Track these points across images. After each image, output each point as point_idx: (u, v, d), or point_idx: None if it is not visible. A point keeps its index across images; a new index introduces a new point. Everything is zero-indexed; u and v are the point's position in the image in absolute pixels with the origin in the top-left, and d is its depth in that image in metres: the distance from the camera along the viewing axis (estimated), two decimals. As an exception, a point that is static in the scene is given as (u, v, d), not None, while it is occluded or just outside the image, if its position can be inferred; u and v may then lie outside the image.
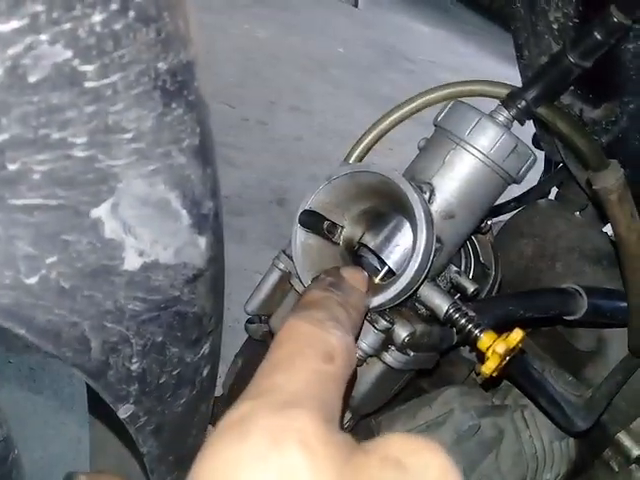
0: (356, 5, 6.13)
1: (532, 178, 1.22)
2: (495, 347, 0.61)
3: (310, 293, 0.50)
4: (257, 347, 0.92)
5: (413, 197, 0.58)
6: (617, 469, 1.01)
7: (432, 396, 0.85)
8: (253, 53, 4.32)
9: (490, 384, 0.88)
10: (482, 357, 0.65)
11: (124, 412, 0.53)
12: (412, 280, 0.60)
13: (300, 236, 0.65)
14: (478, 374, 0.92)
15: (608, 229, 1.15)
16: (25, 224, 0.34)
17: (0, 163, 0.31)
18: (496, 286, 0.81)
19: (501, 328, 0.65)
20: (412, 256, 0.59)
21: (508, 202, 1.18)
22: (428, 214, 0.59)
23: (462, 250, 0.75)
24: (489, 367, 0.62)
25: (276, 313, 0.71)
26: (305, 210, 0.64)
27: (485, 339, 0.63)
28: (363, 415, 0.75)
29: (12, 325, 0.38)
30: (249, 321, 0.90)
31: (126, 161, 0.37)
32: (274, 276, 0.70)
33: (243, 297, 0.81)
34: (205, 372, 0.61)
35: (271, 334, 0.74)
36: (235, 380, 0.95)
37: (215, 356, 0.62)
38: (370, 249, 0.67)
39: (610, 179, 0.68)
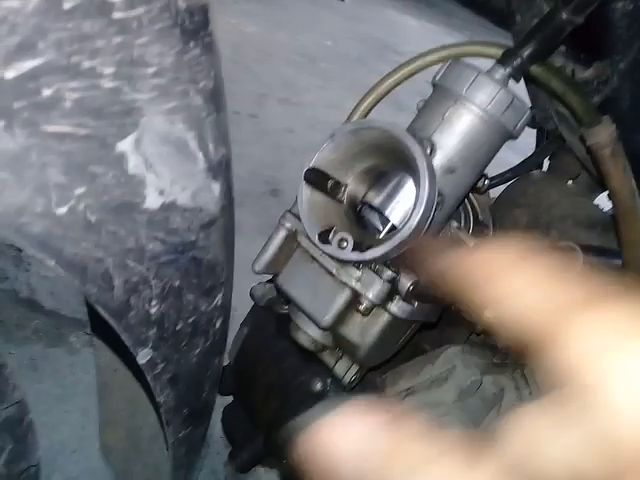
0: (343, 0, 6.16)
1: (527, 149, 1.26)
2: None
3: None
4: (262, 315, 0.94)
5: (415, 150, 0.61)
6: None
7: (435, 354, 0.87)
8: (242, 48, 4.33)
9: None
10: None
11: (143, 357, 0.55)
12: (415, 230, 0.62)
13: (306, 192, 0.67)
14: (479, 334, 0.95)
15: (598, 201, 1.19)
16: (57, 152, 0.36)
17: (35, 88, 0.33)
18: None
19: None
20: (415, 207, 0.62)
21: (503, 174, 1.21)
22: (430, 166, 0.62)
23: (462, 208, 0.77)
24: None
25: (283, 271, 0.73)
26: (310, 168, 0.66)
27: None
28: (370, 368, 0.77)
29: (43, 256, 0.40)
30: (254, 289, 0.92)
31: (149, 96, 0.39)
32: (280, 235, 0.72)
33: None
34: (218, 324, 0.63)
35: (278, 294, 0.76)
36: (241, 349, 0.97)
37: (226, 310, 0.64)
38: (373, 207, 0.70)
39: (602, 134, 0.71)
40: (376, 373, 0.84)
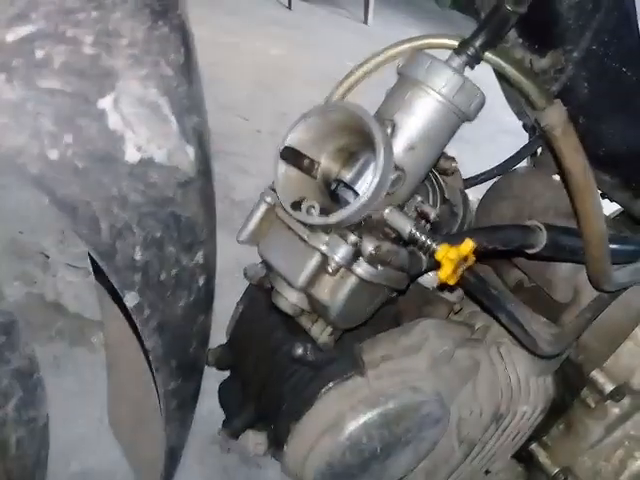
0: (366, 22, 6.31)
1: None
2: (448, 254, 0.71)
3: None
4: (255, 293, 1.03)
5: (373, 126, 0.69)
6: (594, 406, 1.08)
7: (410, 325, 0.94)
8: (265, 69, 4.49)
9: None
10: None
11: (131, 300, 0.64)
12: (372, 196, 0.70)
13: (281, 169, 0.76)
14: (456, 313, 1.02)
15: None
16: (49, 104, 0.45)
17: (30, 50, 0.42)
18: (467, 224, 0.91)
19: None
20: (372, 176, 0.70)
21: (491, 170, 1.28)
22: (386, 139, 0.70)
23: (429, 185, 0.85)
24: (445, 272, 0.71)
25: (262, 241, 0.81)
26: (286, 146, 0.75)
27: (441, 251, 0.73)
28: (344, 330, 0.84)
29: (40, 194, 0.49)
30: (247, 268, 1.01)
31: (124, 62, 0.48)
32: (261, 208, 0.81)
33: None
34: (201, 282, 0.72)
35: (264, 265, 0.84)
36: (236, 325, 1.05)
37: (210, 271, 0.72)
38: (344, 182, 0.78)
39: (554, 115, 0.78)
40: (353, 340, 0.91)
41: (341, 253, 0.73)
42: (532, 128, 1.35)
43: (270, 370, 0.94)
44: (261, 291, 0.99)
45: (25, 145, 0.46)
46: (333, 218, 0.71)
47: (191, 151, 0.59)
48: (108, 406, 1.16)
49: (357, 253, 0.74)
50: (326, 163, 0.78)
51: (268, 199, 0.80)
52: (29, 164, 0.47)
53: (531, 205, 1.16)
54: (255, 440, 0.94)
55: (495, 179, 1.25)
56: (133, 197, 0.56)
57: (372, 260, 0.75)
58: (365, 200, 0.70)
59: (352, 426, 0.86)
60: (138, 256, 0.61)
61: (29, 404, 0.81)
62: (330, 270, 0.74)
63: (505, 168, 1.26)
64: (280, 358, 0.93)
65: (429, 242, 0.74)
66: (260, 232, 0.81)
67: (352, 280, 0.76)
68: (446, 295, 1.00)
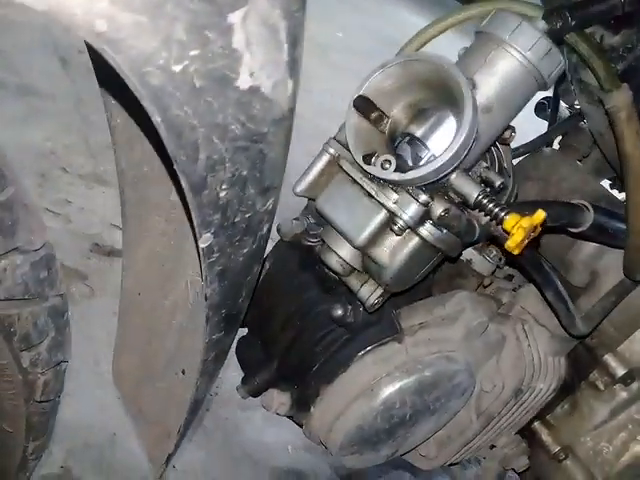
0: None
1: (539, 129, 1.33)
2: (521, 222, 0.70)
3: None
4: (285, 250, 0.99)
5: (462, 81, 0.66)
6: (603, 388, 1.10)
7: (446, 296, 0.93)
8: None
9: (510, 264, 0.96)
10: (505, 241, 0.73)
11: (205, 241, 0.61)
12: (453, 156, 0.68)
13: (353, 118, 0.72)
14: (486, 286, 1.01)
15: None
16: (187, 9, 0.41)
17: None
18: (512, 198, 0.90)
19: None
20: (456, 135, 0.67)
21: (516, 148, 1.27)
22: (474, 99, 0.68)
23: (490, 152, 0.83)
24: (515, 240, 0.70)
25: (323, 194, 0.78)
26: (359, 95, 0.72)
27: (510, 219, 0.72)
28: (392, 294, 0.83)
29: (154, 110, 0.45)
30: (281, 224, 0.97)
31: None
32: (323, 160, 0.77)
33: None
34: (264, 229, 0.69)
35: (317, 214, 0.81)
36: (262, 281, 1.02)
37: (271, 218, 0.69)
38: (415, 137, 0.75)
39: (620, 98, 0.77)
40: (391, 306, 0.90)
41: (410, 212, 0.71)
42: (552, 113, 1.35)
43: (300, 329, 0.92)
44: (293, 248, 0.96)
45: (155, 52, 0.42)
46: (410, 175, 0.68)
47: (290, 86, 0.56)
48: (114, 355, 1.12)
49: (425, 215, 0.72)
50: (395, 118, 0.75)
51: (331, 150, 0.77)
52: (153, 74, 0.43)
53: (557, 187, 1.16)
54: (279, 400, 0.92)
55: (521, 158, 1.25)
56: (233, 128, 0.52)
57: (438, 223, 0.73)
58: (446, 160, 0.67)
59: (388, 391, 0.85)
60: (223, 194, 0.57)
61: (59, 346, 0.77)
62: (396, 229, 0.72)
63: (532, 148, 1.26)
64: (313, 318, 0.91)
65: (497, 210, 0.73)
66: (319, 185, 0.78)
67: (414, 242, 0.74)
68: (478, 268, 0.99)
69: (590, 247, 1.06)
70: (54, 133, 2.40)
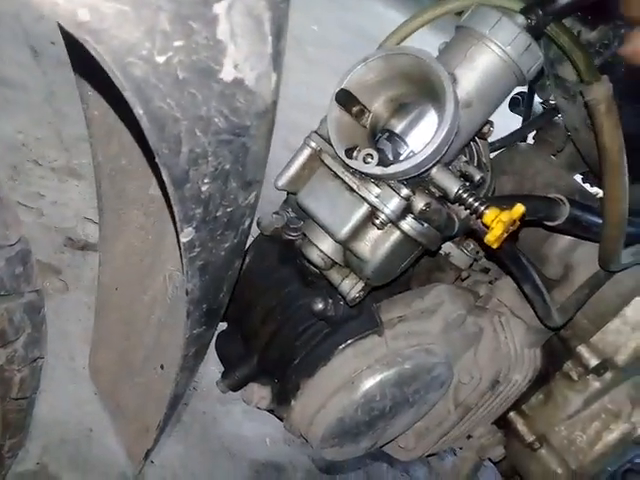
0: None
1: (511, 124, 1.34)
2: (500, 216, 0.70)
3: None
4: (265, 244, 0.99)
5: (444, 76, 0.67)
6: (576, 378, 1.13)
7: (425, 289, 0.94)
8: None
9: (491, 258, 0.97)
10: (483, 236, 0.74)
11: (186, 235, 0.60)
12: (435, 151, 0.68)
13: (335, 112, 0.72)
14: (464, 280, 1.02)
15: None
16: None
17: None
18: (490, 192, 0.91)
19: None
20: (438, 129, 0.68)
21: (492, 143, 1.29)
22: (456, 94, 0.68)
23: (470, 147, 0.84)
24: (494, 234, 0.71)
25: (304, 188, 0.78)
26: (341, 89, 0.72)
27: (490, 214, 0.72)
28: (372, 288, 0.83)
29: (136, 102, 0.44)
30: (261, 218, 0.97)
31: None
32: (304, 154, 0.77)
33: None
34: (246, 223, 0.68)
35: (298, 208, 0.81)
36: (241, 276, 1.01)
37: (253, 213, 0.69)
38: (395, 133, 0.76)
39: (600, 90, 0.78)
40: (370, 300, 0.90)
41: (392, 206, 0.71)
42: (527, 108, 1.37)
43: (281, 323, 0.92)
44: (273, 242, 0.95)
45: (138, 43, 0.41)
46: (392, 169, 0.69)
47: (274, 79, 0.55)
48: (90, 351, 1.10)
49: (407, 208, 0.72)
50: (376, 112, 0.75)
51: (312, 144, 0.77)
52: (136, 65, 0.42)
53: (532, 181, 1.17)
54: (260, 394, 0.92)
55: (496, 152, 1.26)
56: (216, 121, 0.52)
57: (420, 217, 0.73)
58: (428, 154, 0.68)
59: (368, 384, 0.85)
60: (205, 187, 0.57)
61: (35, 342, 0.75)
62: (377, 223, 0.72)
63: (507, 142, 1.27)
64: (294, 311, 0.91)
65: (477, 204, 0.73)
66: (300, 179, 0.78)
67: (395, 236, 0.75)
68: (456, 262, 1.00)
69: (564, 241, 1.08)
70: (25, 125, 2.35)
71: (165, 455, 1.67)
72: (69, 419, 1.61)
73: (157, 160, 0.51)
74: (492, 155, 1.27)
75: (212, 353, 0.99)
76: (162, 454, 1.66)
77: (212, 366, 1.71)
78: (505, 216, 0.70)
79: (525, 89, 1.35)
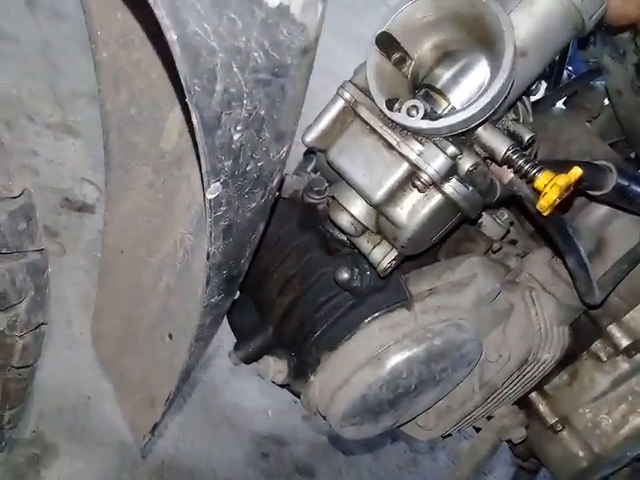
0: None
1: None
2: (556, 180, 0.63)
3: None
4: (284, 208, 0.91)
5: (503, 18, 0.59)
6: (605, 359, 1.07)
7: (456, 261, 0.87)
8: None
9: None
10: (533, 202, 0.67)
11: (212, 192, 0.53)
12: (490, 103, 0.61)
13: (375, 58, 0.65)
14: (495, 252, 0.96)
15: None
16: None
17: None
18: (533, 154, 0.83)
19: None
20: (493, 79, 0.60)
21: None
22: (514, 39, 0.60)
23: (516, 105, 0.76)
24: (548, 199, 0.64)
25: (336, 144, 0.70)
26: (382, 32, 0.64)
27: (543, 177, 0.65)
28: (405, 258, 0.76)
29: (170, 24, 0.37)
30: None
31: None
32: (337, 106, 0.69)
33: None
34: (275, 181, 0.61)
35: (326, 168, 0.74)
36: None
37: (282, 169, 0.61)
38: (434, 88, 0.68)
39: None
40: (398, 272, 0.84)
41: (437, 166, 0.64)
42: (557, 73, 1.29)
43: (300, 293, 0.85)
44: (293, 206, 0.88)
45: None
46: (441, 122, 0.61)
47: (320, 9, 0.47)
48: (93, 316, 1.04)
49: (452, 169, 0.65)
50: (420, 60, 0.67)
51: (346, 95, 0.69)
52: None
53: (566, 148, 1.10)
54: (276, 368, 0.86)
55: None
56: (255, 56, 0.44)
57: (466, 179, 0.66)
58: (483, 105, 0.60)
59: (396, 360, 0.79)
60: (237, 136, 0.49)
61: (39, 307, 0.68)
62: (419, 184, 0.65)
63: (539, 107, 1.19)
64: (315, 281, 0.84)
65: (528, 166, 0.66)
66: (331, 135, 0.70)
67: (437, 200, 0.67)
68: (489, 232, 0.93)
69: (599, 213, 1.02)
70: (19, 78, 2.24)
71: (164, 425, 1.62)
72: (66, 386, 1.55)
73: (188, 100, 0.43)
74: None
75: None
76: (162, 424, 1.61)
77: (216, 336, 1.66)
78: (562, 179, 0.63)
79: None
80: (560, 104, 1.27)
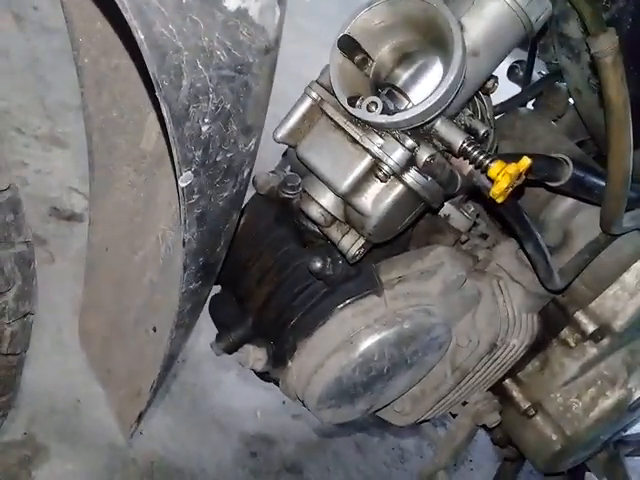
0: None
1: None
2: (507, 169, 0.68)
3: None
4: (261, 204, 0.96)
5: (452, 21, 0.64)
6: (573, 345, 1.12)
7: (424, 250, 0.92)
8: None
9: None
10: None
11: (184, 180, 0.58)
12: (442, 98, 0.66)
13: (337, 59, 0.70)
14: (463, 242, 1.01)
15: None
16: None
17: None
18: (493, 150, 0.89)
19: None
20: (444, 77, 0.65)
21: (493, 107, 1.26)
22: (463, 39, 0.65)
23: (474, 101, 0.82)
24: (500, 187, 0.69)
25: (304, 140, 0.75)
26: (344, 35, 0.69)
27: (496, 166, 0.70)
28: (372, 246, 0.81)
29: (138, 25, 0.41)
30: (257, 177, 0.94)
31: None
32: (305, 104, 0.74)
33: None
34: (245, 173, 0.66)
35: (297, 163, 0.78)
36: (236, 237, 0.99)
37: (252, 164, 0.66)
38: (396, 87, 0.73)
39: (606, 42, 0.76)
40: (369, 260, 0.88)
41: (396, 157, 0.69)
42: (525, 75, 1.35)
43: (277, 284, 0.90)
44: (269, 202, 0.93)
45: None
46: (398, 117, 0.66)
47: (278, 13, 0.53)
48: (80, 315, 1.08)
49: (411, 160, 0.70)
50: (380, 61, 0.73)
51: (313, 94, 0.74)
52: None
53: (533, 146, 1.16)
54: (255, 355, 0.90)
55: (496, 117, 1.24)
56: (219, 54, 0.49)
57: (423, 170, 0.71)
58: (435, 100, 0.65)
59: (367, 343, 0.84)
60: (205, 128, 0.54)
61: (26, 296, 0.73)
62: (380, 175, 0.70)
63: (507, 107, 1.25)
64: (291, 271, 0.88)
65: (482, 157, 0.71)
66: (300, 131, 0.75)
67: (398, 189, 0.72)
68: (456, 224, 0.98)
69: (564, 206, 1.07)
70: (8, 92, 2.29)
71: (154, 426, 1.65)
72: (57, 390, 1.58)
73: (157, 94, 0.48)
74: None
75: (203, 324, 0.96)
76: (151, 426, 1.64)
77: (202, 338, 1.69)
78: (511, 168, 0.69)
79: (524, 57, 1.33)
80: (530, 105, 1.33)
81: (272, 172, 0.95)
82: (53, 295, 1.81)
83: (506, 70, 1.37)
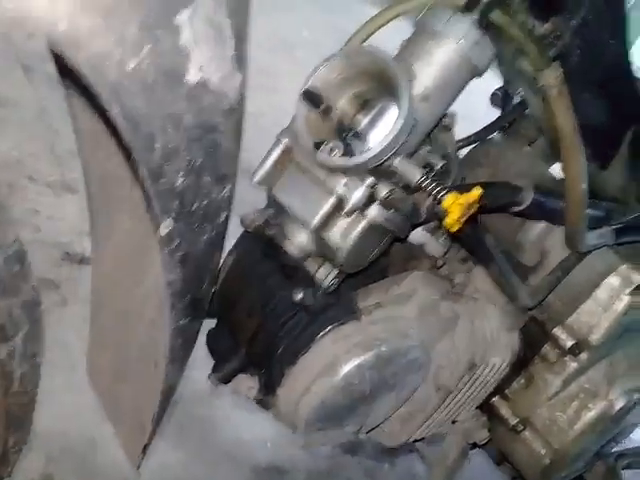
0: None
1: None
2: (459, 200, 0.76)
3: None
4: (249, 242, 1.04)
5: (398, 70, 0.72)
6: (554, 360, 1.17)
7: (401, 276, 0.99)
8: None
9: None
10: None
11: (165, 228, 0.65)
12: (392, 142, 0.74)
13: (302, 110, 0.78)
14: (439, 268, 1.07)
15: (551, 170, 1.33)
16: (137, 11, 0.46)
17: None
18: (458, 181, 0.96)
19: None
20: (395, 123, 0.73)
21: (468, 137, 1.34)
22: (410, 89, 0.74)
23: (435, 138, 0.89)
24: (452, 217, 0.76)
25: (277, 183, 0.83)
26: (307, 89, 0.77)
27: (449, 198, 0.78)
28: (347, 275, 0.88)
29: (111, 104, 0.50)
30: (244, 216, 1.02)
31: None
32: (277, 150, 0.83)
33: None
34: (222, 217, 0.73)
35: (274, 203, 0.86)
36: (227, 273, 1.07)
37: (229, 206, 0.74)
38: (357, 132, 0.81)
39: (551, 76, 0.84)
40: (348, 288, 0.95)
41: (357, 195, 0.77)
42: (503, 100, 1.42)
43: (265, 315, 0.97)
44: (256, 239, 1.01)
45: (110, 51, 0.47)
46: (355, 160, 0.74)
47: (239, 79, 0.61)
48: (87, 356, 1.15)
49: (371, 197, 0.78)
50: (342, 109, 0.81)
51: (284, 141, 0.82)
52: (110, 70, 0.48)
53: (506, 172, 1.22)
54: (247, 384, 0.97)
55: (472, 146, 1.31)
56: (186, 119, 0.57)
57: (384, 204, 0.78)
58: (386, 144, 0.73)
59: (348, 367, 0.90)
60: (179, 181, 0.62)
61: (34, 338, 0.80)
62: (345, 211, 0.77)
63: (483, 136, 1.32)
64: (276, 303, 0.95)
65: (437, 190, 0.79)
66: (274, 174, 0.83)
67: (363, 223, 0.80)
68: (430, 251, 1.05)
69: (538, 228, 1.13)
70: (19, 142, 2.41)
71: (167, 461, 1.70)
72: (71, 429, 1.65)
73: (133, 156, 0.56)
74: (469, 148, 1.33)
75: (200, 352, 1.02)
76: (164, 461, 1.69)
77: (209, 371, 1.75)
78: (462, 199, 0.76)
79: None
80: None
81: (257, 211, 1.03)
82: (65, 336, 1.89)
83: (490, 97, 1.45)
